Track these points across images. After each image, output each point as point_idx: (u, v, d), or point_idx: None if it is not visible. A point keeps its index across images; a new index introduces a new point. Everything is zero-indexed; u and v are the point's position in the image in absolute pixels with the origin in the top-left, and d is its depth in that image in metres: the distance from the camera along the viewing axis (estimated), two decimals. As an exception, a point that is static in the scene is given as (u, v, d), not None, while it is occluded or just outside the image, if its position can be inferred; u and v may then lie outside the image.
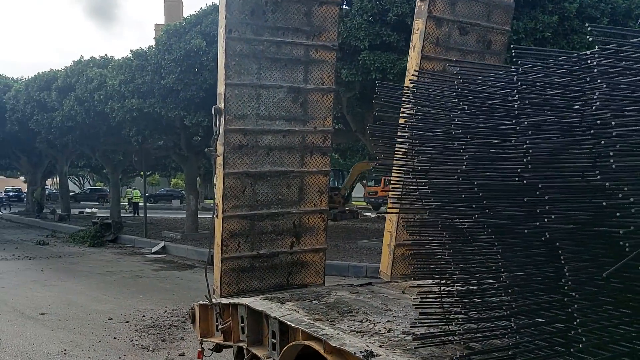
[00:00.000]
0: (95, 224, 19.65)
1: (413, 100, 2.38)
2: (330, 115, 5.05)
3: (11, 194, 56.35)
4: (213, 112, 4.63)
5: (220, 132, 4.60)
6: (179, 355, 6.20)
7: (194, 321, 4.65)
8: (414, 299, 2.42)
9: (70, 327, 7.34)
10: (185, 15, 17.44)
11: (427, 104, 2.35)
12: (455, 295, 2.16)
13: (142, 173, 50.59)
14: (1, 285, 10.41)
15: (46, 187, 37.50)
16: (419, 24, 5.27)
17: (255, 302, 3.59)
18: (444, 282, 2.28)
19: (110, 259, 14.78)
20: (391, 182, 2.56)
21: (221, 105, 4.60)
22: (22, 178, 67.27)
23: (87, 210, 36.58)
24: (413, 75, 2.52)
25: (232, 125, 4.61)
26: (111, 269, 12.90)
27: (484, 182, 1.93)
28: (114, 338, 6.84)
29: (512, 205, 1.93)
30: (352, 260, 12.83)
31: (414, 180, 2.32)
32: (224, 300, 4.06)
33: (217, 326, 4.23)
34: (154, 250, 16.44)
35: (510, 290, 1.91)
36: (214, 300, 4.21)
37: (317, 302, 3.58)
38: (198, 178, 28.79)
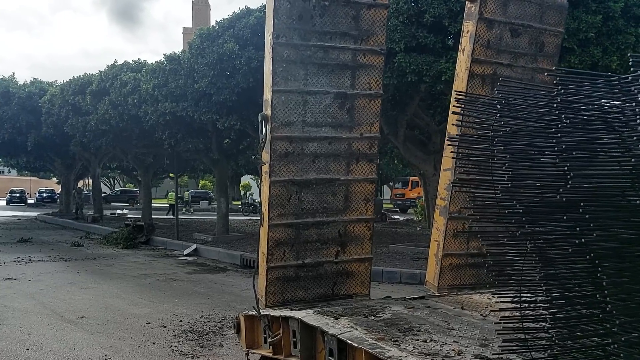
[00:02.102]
0: (127, 226, 19.88)
1: (498, 111, 2.23)
2: (377, 121, 4.93)
3: (44, 195, 57.60)
4: (259, 120, 4.55)
5: (267, 139, 4.52)
6: (219, 363, 6.13)
7: (239, 331, 4.57)
8: (495, 323, 2.27)
9: (110, 332, 7.35)
10: (212, 19, 17.54)
11: (513, 115, 2.21)
12: (550, 318, 2.02)
13: (171, 175, 51.21)
14: (40, 287, 10.54)
15: (83, 190, 38.23)
16: (468, 27, 5.10)
17: (309, 317, 3.47)
18: (525, 304, 2.14)
19: (144, 262, 14.90)
20: (473, 195, 2.42)
21: (268, 112, 4.52)
22: (54, 179, 69.03)
23: (119, 211, 37.23)
24: (501, 84, 2.37)
25: (278, 132, 4.53)
26: (145, 271, 12.99)
27: (588, 196, 1.81)
28: (153, 344, 6.82)
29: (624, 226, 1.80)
30: (385, 265, 12.65)
31: (495, 192, 2.19)
32: (274, 313, 3.96)
33: (265, 338, 4.13)
34: (185, 252, 16.53)
35: (622, 319, 1.77)
36: (262, 312, 4.11)
37: (373, 317, 3.45)
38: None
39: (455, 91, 3.41)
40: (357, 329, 3.09)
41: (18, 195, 57.04)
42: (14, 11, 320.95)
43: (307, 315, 3.51)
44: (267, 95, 4.54)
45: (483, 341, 2.83)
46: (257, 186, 64.87)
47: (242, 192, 58.78)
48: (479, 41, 5.04)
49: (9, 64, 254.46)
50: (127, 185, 69.50)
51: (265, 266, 4.53)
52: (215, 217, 21.31)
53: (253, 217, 32.92)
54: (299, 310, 3.93)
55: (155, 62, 17.43)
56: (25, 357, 6.20)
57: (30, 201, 58.00)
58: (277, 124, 4.51)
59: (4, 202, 56.91)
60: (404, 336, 2.97)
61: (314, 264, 4.72)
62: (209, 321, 8.01)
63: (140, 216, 25.21)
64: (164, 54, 16.74)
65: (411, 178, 41.48)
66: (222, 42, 14.05)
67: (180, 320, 8.01)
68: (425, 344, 2.83)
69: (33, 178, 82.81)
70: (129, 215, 31.60)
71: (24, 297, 9.55)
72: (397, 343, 2.83)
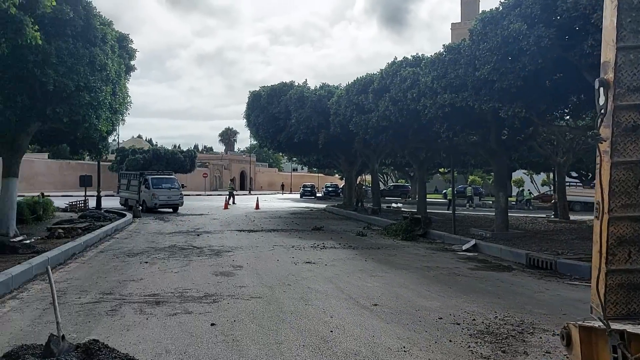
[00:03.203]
0: (405, 219, 20.34)
1: None
2: None
3: (330, 189, 64.17)
4: (596, 86, 3.68)
5: (608, 110, 3.63)
6: (528, 374, 5.41)
7: (569, 344, 3.80)
8: None
9: (403, 323, 7.28)
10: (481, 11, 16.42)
11: None
12: None
13: (440, 170, 51.30)
14: (335, 272, 11.31)
15: (364, 185, 41.48)
16: None
17: None
18: None
19: (424, 254, 14.89)
20: None
21: (609, 75, 3.62)
22: (337, 175, 76.52)
23: (393, 205, 38.98)
24: None
25: (623, 100, 3.59)
26: (427, 263, 12.90)
27: None
28: (450, 341, 6.45)
29: None
30: None
31: None
32: (633, 329, 3.09)
33: (616, 358, 3.29)
34: (465, 247, 16.00)
35: None
36: (613, 326, 3.27)
37: None
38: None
39: None
40: None
41: (309, 189, 65.10)
42: (299, 28, 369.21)
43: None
44: (608, 54, 3.64)
45: None
46: (531, 181, 60.38)
47: (517, 189, 55.69)
48: None
49: (298, 75, 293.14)
50: (399, 181, 72.75)
51: (604, 269, 3.65)
52: (490, 213, 20.23)
53: (530, 214, 30.47)
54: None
55: (434, 54, 17.29)
56: (330, 339, 6.49)
57: (318, 195, 65.45)
58: (623, 89, 3.58)
59: (298, 196, 65.46)
60: None
61: (671, 270, 3.64)
62: (505, 323, 7.31)
63: (415, 210, 25.66)
64: (443, 45, 16.47)
65: None
66: (507, 24, 13.03)
67: (474, 319, 7.50)
68: None
69: (319, 174, 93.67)
70: (403, 209, 32.66)
71: (322, 281, 10.32)
72: None
